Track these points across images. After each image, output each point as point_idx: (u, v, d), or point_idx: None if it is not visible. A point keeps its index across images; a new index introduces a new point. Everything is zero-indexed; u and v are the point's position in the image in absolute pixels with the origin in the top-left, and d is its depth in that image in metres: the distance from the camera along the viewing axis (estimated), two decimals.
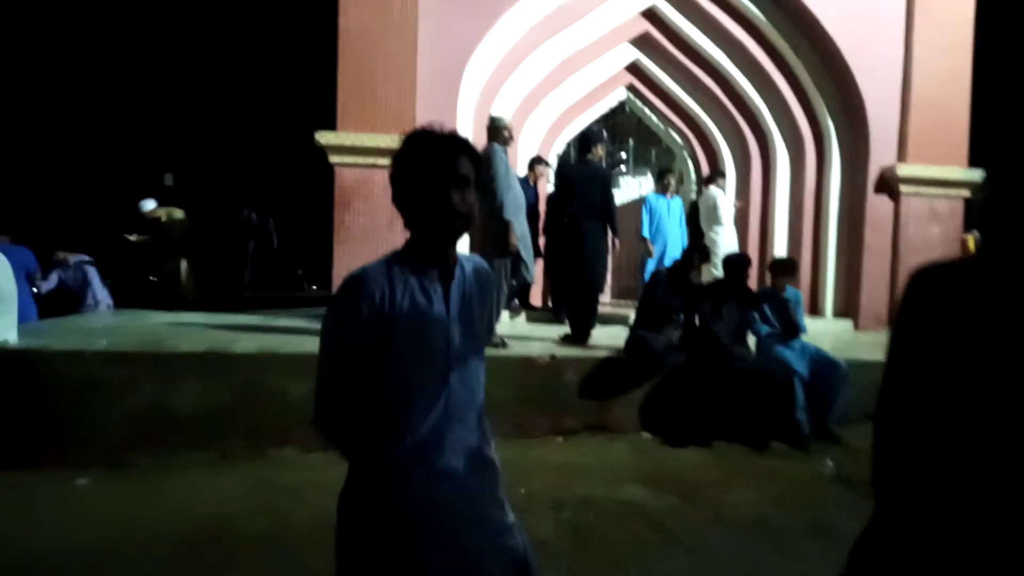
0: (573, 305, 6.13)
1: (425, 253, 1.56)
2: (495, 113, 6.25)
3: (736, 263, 5.35)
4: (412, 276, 1.53)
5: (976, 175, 7.82)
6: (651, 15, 8.62)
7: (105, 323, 6.63)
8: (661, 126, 10.42)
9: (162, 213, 8.46)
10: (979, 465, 1.33)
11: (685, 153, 10.46)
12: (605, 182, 6.04)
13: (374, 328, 1.47)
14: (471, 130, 7.51)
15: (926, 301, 1.43)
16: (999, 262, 1.42)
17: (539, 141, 9.44)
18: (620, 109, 11.04)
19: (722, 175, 8.56)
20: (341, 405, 1.51)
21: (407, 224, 1.57)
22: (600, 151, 6.16)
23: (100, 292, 8.03)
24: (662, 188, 8.26)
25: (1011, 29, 12.60)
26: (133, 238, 8.42)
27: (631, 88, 9.84)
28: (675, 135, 10.37)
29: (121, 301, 8.38)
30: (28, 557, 3.19)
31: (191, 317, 7.19)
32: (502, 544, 1.57)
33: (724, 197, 8.33)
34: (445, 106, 6.98)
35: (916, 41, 7.82)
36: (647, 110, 10.10)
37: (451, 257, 1.60)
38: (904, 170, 7.75)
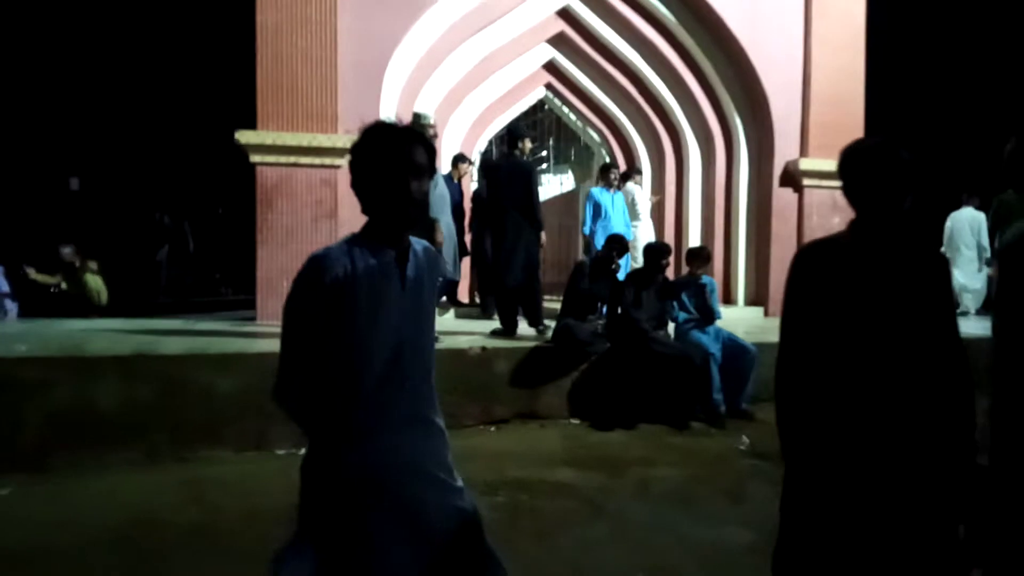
0: (501, 298, 6.27)
1: (382, 236, 1.67)
2: (419, 110, 6.32)
3: (655, 252, 5.62)
4: (371, 256, 1.64)
5: None
6: (566, 15, 8.87)
7: (18, 329, 6.36)
8: (580, 124, 10.72)
9: (76, 260, 8.15)
10: (840, 383, 1.79)
11: (603, 150, 10.79)
12: (530, 176, 6.15)
13: (335, 302, 1.57)
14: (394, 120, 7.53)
15: (803, 268, 1.88)
16: (852, 237, 1.86)
17: (462, 138, 9.55)
18: (540, 107, 11.29)
19: (639, 171, 8.90)
20: (300, 377, 1.60)
21: (364, 210, 1.68)
22: (527, 145, 6.29)
23: (8, 301, 7.68)
24: (607, 182, 8.15)
25: (903, 26, 13.50)
26: (37, 277, 8.05)
27: (550, 87, 10.09)
28: (593, 133, 10.69)
29: (27, 309, 8.02)
30: None
31: (106, 323, 6.97)
32: (449, 502, 1.70)
33: (641, 192, 8.66)
34: (368, 102, 6.98)
35: (814, 39, 8.31)
36: (566, 108, 10.38)
37: (406, 241, 1.72)
38: (806, 164, 8.24)
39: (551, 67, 9.70)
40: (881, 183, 1.78)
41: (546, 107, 11.08)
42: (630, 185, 8.58)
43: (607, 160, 9.85)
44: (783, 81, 8.33)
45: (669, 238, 9.31)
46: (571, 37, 9.08)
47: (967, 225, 9.16)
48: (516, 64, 9.25)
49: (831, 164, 8.25)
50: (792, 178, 8.37)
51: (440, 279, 5.62)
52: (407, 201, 1.64)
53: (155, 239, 14.47)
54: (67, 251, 8.15)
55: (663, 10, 8.47)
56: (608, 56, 9.20)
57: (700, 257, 5.88)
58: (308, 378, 1.60)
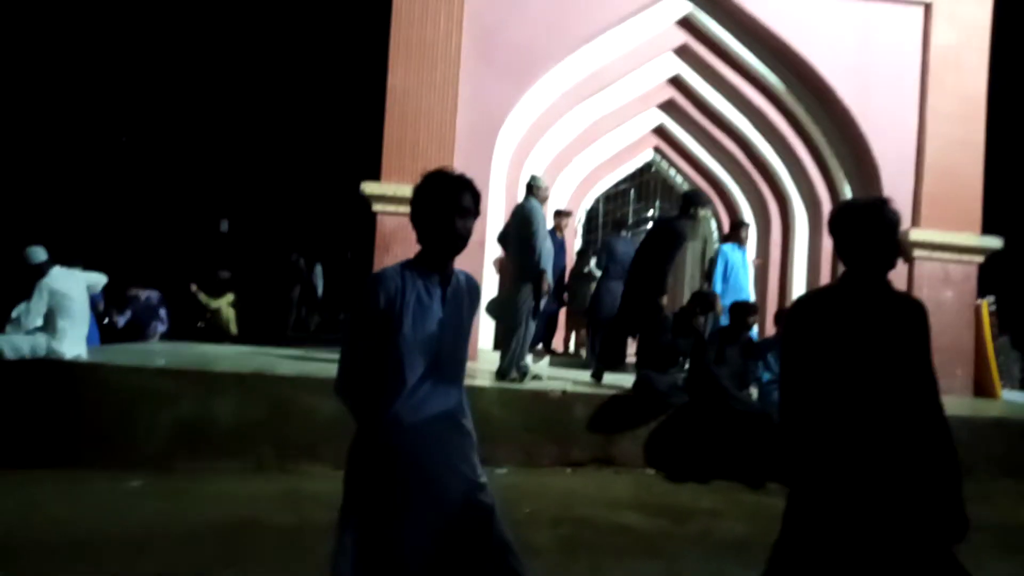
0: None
1: (430, 263, 2.06)
2: (534, 173, 6.89)
3: (740, 310, 5.74)
4: (419, 279, 2.03)
5: (989, 242, 8.08)
6: (676, 82, 9.22)
7: (161, 348, 7.28)
8: (686, 186, 10.93)
9: (223, 303, 9.27)
10: (836, 424, 1.97)
11: (710, 212, 10.91)
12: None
13: (387, 313, 1.96)
14: (503, 183, 8.09)
15: (799, 315, 2.11)
16: (844, 286, 2.07)
17: (569, 196, 10.00)
18: (647, 168, 11.59)
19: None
20: (357, 374, 2.00)
21: (419, 240, 2.08)
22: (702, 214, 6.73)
23: (162, 324, 8.75)
24: (738, 239, 8.23)
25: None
26: (200, 295, 9.18)
27: (657, 149, 10.41)
28: None
29: (173, 334, 9.08)
30: (73, 542, 3.69)
31: (236, 348, 7.80)
32: (470, 493, 2.03)
33: (743, 253, 8.70)
34: (480, 160, 7.55)
35: (929, 109, 8.19)
36: (672, 170, 10.64)
37: (450, 268, 2.10)
38: (917, 235, 8.04)
39: (660, 131, 10.05)
40: (869, 240, 1.99)
41: (653, 168, 11.40)
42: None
43: (740, 217, 9.92)
44: (895, 150, 8.23)
45: (772, 303, 9.26)
46: (680, 103, 9.41)
47: None
48: (625, 127, 9.66)
49: (944, 236, 8.09)
50: (902, 249, 8.18)
51: (532, 328, 6.03)
52: (452, 235, 2.02)
53: (289, 279, 15.79)
54: (225, 274, 9.25)
55: (772, 78, 8.63)
56: (716, 121, 9.44)
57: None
58: (363, 375, 1.99)
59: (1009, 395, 8.52)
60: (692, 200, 6.62)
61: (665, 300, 6.35)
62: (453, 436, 2.06)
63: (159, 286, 9.48)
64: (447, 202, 2.02)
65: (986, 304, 8.84)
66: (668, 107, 9.58)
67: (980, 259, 8.27)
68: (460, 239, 2.04)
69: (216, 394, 5.29)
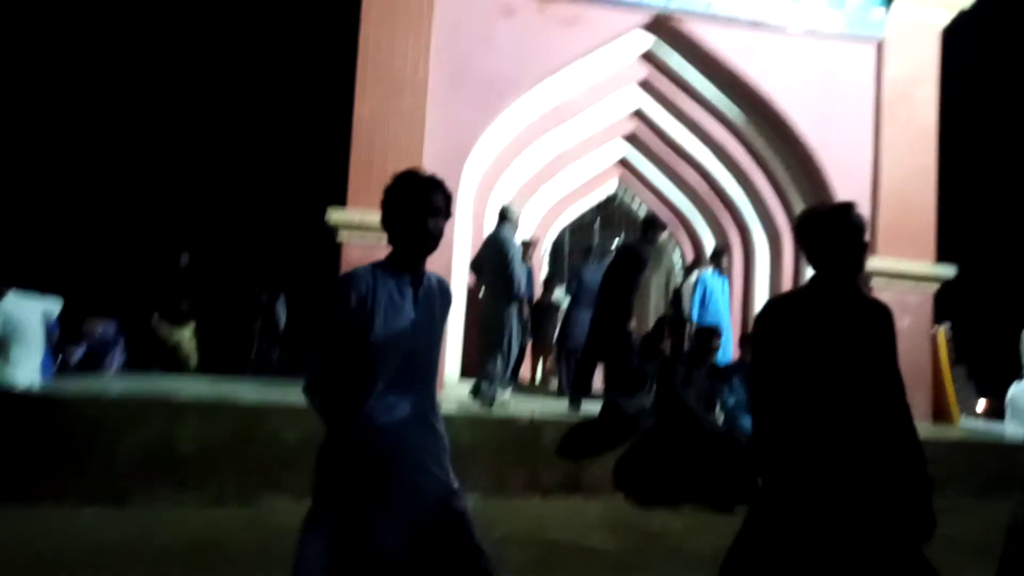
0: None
1: (402, 264, 2.05)
2: (506, 202, 6.97)
3: (705, 334, 5.79)
4: (391, 279, 2.01)
5: (943, 270, 8.33)
6: (640, 115, 9.41)
7: (119, 379, 7.07)
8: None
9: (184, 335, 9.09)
10: (806, 424, 2.00)
11: (672, 243, 11.07)
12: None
13: (359, 312, 1.94)
14: (470, 212, 8.11)
15: (769, 318, 2.14)
16: (813, 289, 2.12)
17: (535, 226, 10.06)
18: (612, 200, 11.75)
19: (705, 263, 9.09)
20: (327, 373, 1.96)
21: (390, 241, 2.07)
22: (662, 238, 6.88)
23: (120, 357, 8.49)
24: (719, 267, 8.31)
25: (975, 131, 13.44)
26: (160, 327, 8.98)
27: (622, 180, 10.56)
28: None
29: (132, 366, 8.81)
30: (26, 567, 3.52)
31: (197, 380, 7.60)
32: (444, 497, 1.99)
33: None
34: (449, 188, 7.57)
35: (884, 141, 8.46)
36: (637, 201, 10.80)
37: (422, 269, 2.08)
38: (875, 263, 8.23)
39: (624, 162, 10.21)
40: (836, 243, 2.02)
41: (617, 200, 11.56)
42: (696, 274, 8.78)
43: (718, 245, 10.06)
44: (851, 181, 8.46)
45: (735, 329, 9.37)
46: (643, 135, 9.59)
47: None
48: (590, 158, 9.80)
49: (901, 264, 8.30)
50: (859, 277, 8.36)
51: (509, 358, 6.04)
52: (424, 234, 2.01)
53: (251, 312, 15.50)
54: (186, 306, 9.04)
55: (732, 111, 8.87)
56: (679, 153, 9.63)
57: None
58: (334, 375, 1.95)
59: (966, 422, 8.69)
60: (651, 225, 6.75)
61: (633, 324, 6.39)
62: (426, 439, 2.03)
63: (117, 318, 9.23)
64: (419, 202, 2.02)
65: (942, 331, 9.06)
66: (632, 139, 9.76)
67: (935, 287, 8.50)
68: (432, 238, 2.04)
69: (176, 423, 5.13)
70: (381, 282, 1.99)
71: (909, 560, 1.92)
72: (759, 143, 8.89)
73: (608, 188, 10.81)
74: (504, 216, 6.47)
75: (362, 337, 1.93)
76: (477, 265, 6.59)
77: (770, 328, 2.09)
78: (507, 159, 8.65)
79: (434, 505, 1.95)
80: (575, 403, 6.28)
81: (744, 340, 6.06)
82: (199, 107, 16.52)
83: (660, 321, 6.18)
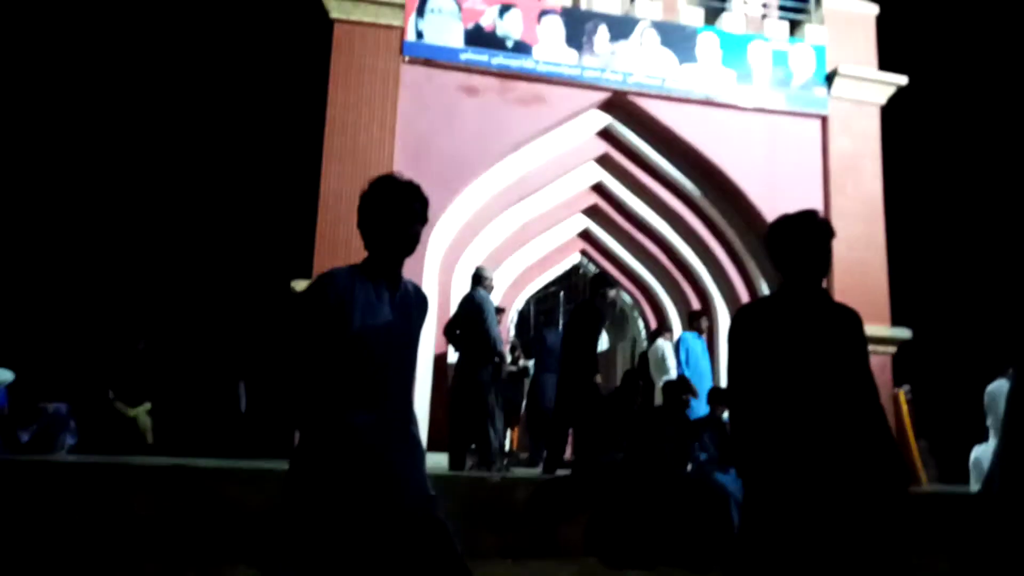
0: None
1: (379, 268, 2.06)
2: (479, 264, 7.15)
3: (675, 388, 5.82)
4: (368, 282, 2.02)
5: (900, 332, 8.56)
6: (599, 189, 9.71)
7: (71, 457, 6.78)
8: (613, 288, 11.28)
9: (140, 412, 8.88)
10: (783, 421, 2.06)
11: (636, 312, 11.24)
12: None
13: (337, 311, 1.93)
14: (435, 285, 8.17)
15: (744, 322, 2.24)
16: (784, 295, 2.22)
17: (500, 297, 10.12)
18: (575, 271, 11.95)
19: (668, 329, 9.23)
20: (299, 382, 1.93)
21: (367, 246, 2.09)
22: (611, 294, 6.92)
23: (72, 438, 8.17)
24: (698, 328, 8.38)
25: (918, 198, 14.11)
26: (118, 405, 8.73)
27: (584, 252, 10.78)
28: (626, 296, 11.19)
29: (84, 446, 8.48)
30: None
31: (153, 454, 7.35)
32: (423, 502, 1.94)
33: (670, 348, 8.92)
34: (412, 262, 7.59)
35: (833, 210, 8.81)
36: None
37: (399, 274, 2.10)
38: None
39: (585, 235, 10.45)
40: (802, 247, 2.11)
41: (581, 271, 11.76)
42: (660, 341, 8.87)
43: (636, 324, 10.28)
44: None
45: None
46: (604, 208, 9.87)
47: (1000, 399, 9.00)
48: (553, 231, 10.01)
49: None
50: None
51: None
52: (402, 237, 2.04)
53: (210, 397, 15.09)
54: (142, 383, 8.80)
55: (689, 185, 9.21)
56: (638, 225, 9.90)
57: (724, 398, 6.03)
58: (305, 381, 1.92)
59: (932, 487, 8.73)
60: (600, 281, 6.89)
61: (599, 379, 6.41)
62: (404, 444, 2.01)
63: (70, 397, 8.93)
64: (396, 205, 2.06)
65: (903, 393, 9.22)
66: (592, 212, 10.03)
67: (893, 349, 8.71)
68: (409, 241, 2.07)
69: (130, 491, 4.91)
70: (359, 283, 2.00)
71: (882, 548, 1.94)
72: (715, 214, 9.20)
73: (572, 260, 11.01)
74: (477, 278, 6.57)
75: (340, 336, 1.92)
76: (452, 329, 6.61)
77: (744, 331, 2.16)
78: (472, 232, 8.79)
79: (413, 504, 1.91)
80: (550, 468, 6.20)
81: (712, 395, 6.09)
82: (160, 184, 16.55)
83: (630, 374, 6.20)
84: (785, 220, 2.23)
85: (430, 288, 7.99)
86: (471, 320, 6.31)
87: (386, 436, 1.95)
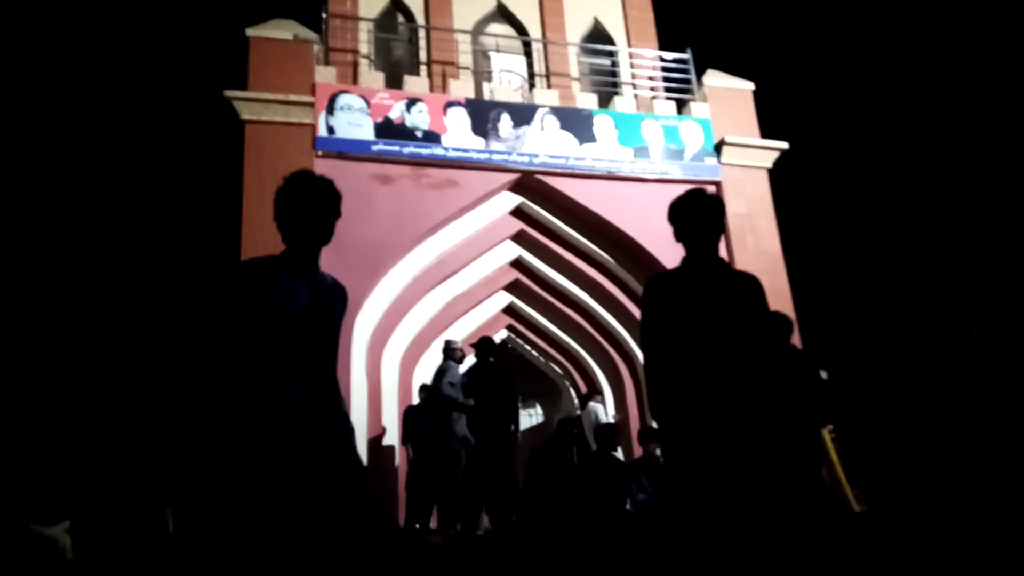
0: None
1: (297, 259, 2.20)
2: (449, 337, 7.96)
3: (605, 431, 5.99)
4: (286, 273, 2.16)
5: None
6: (519, 264, 10.07)
7: None
8: (541, 359, 11.50)
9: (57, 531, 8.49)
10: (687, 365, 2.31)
11: (566, 382, 11.44)
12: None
13: (257, 293, 2.06)
14: (363, 369, 8.22)
15: (654, 291, 2.54)
16: (687, 265, 2.53)
17: (429, 376, 10.20)
18: (504, 347, 12.12)
19: (599, 392, 9.46)
20: (225, 359, 2.04)
21: (284, 239, 2.23)
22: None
23: None
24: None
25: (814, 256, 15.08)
26: (34, 526, 8.28)
27: (511, 328, 11.02)
28: (555, 367, 11.42)
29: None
30: None
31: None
32: (356, 468, 2.05)
33: (603, 410, 9.14)
34: (340, 347, 7.71)
35: (737, 267, 9.34)
36: (527, 346, 11.22)
37: (316, 264, 2.24)
38: None
39: (510, 309, 10.73)
40: (698, 218, 2.39)
41: (509, 346, 11.95)
42: (592, 405, 9.09)
43: (567, 393, 10.48)
44: None
45: (637, 452, 9.57)
46: (525, 283, 10.21)
47: None
48: (477, 310, 10.26)
49: None
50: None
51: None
52: (317, 227, 2.20)
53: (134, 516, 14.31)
54: (58, 502, 8.36)
55: (603, 254, 9.66)
56: (560, 297, 10.26)
57: (653, 434, 6.22)
58: (231, 360, 2.03)
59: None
60: (447, 349, 7.43)
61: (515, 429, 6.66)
62: (332, 418, 2.11)
63: None
64: (311, 197, 2.20)
65: (826, 433, 9.57)
66: (514, 288, 10.35)
67: None
68: (325, 232, 2.21)
69: None
70: (278, 273, 2.13)
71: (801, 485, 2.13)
72: (630, 279, 9.63)
73: (499, 336, 11.20)
74: (449, 349, 7.33)
75: (260, 313, 2.04)
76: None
77: (655, 296, 2.40)
78: (397, 315, 8.95)
79: (344, 482, 2.00)
80: (469, 523, 6.28)
81: (643, 434, 6.27)
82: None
83: (564, 423, 6.33)
84: (682, 197, 2.53)
85: (358, 374, 8.03)
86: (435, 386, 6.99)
87: (314, 410, 2.06)
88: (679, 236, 2.55)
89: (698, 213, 2.48)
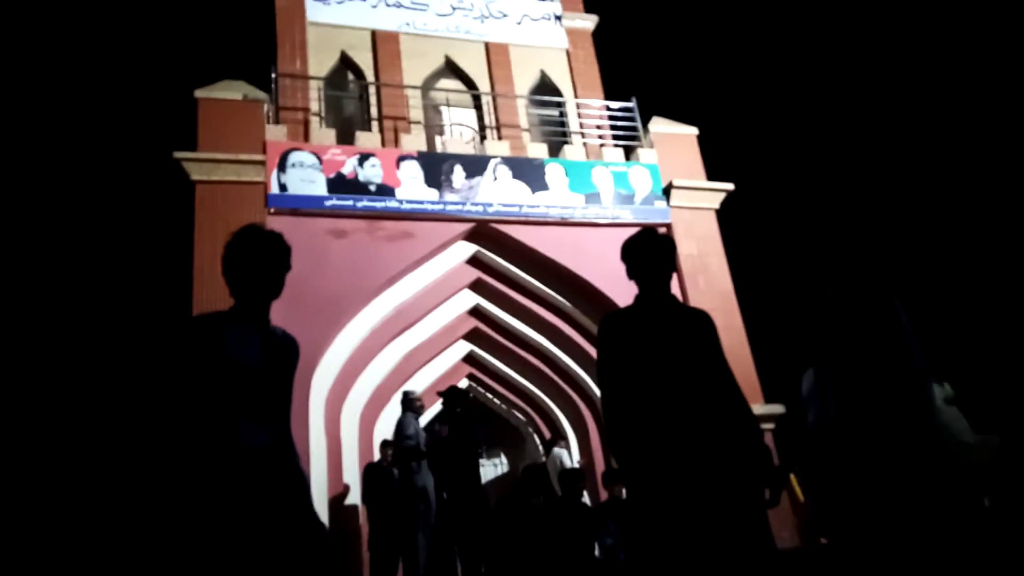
0: None
1: (247, 312, 2.20)
2: (408, 387, 8.01)
3: (571, 476, 5.97)
4: (237, 325, 2.16)
5: (773, 408, 9.15)
6: (478, 312, 10.10)
7: None
8: (504, 407, 11.46)
9: None
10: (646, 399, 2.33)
11: (529, 428, 11.39)
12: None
13: (209, 350, 2.05)
14: (322, 423, 8.08)
15: (608, 329, 2.57)
16: (640, 302, 2.57)
17: (392, 430, 10.05)
18: (466, 394, 12.03)
19: (563, 438, 9.44)
20: (183, 411, 2.02)
21: (233, 292, 2.23)
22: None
23: None
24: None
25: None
26: None
27: (472, 377, 10.98)
28: (518, 413, 11.38)
29: None
30: None
31: None
32: (312, 519, 2.03)
33: (567, 456, 9.11)
34: (297, 402, 7.57)
35: (691, 305, 9.53)
36: (489, 395, 11.18)
37: (266, 318, 2.24)
38: None
39: (470, 358, 10.71)
40: (649, 260, 2.46)
41: (471, 395, 11.88)
42: (556, 450, 9.06)
43: (531, 440, 10.45)
44: None
45: (603, 495, 9.52)
46: (484, 331, 10.23)
47: None
48: (438, 360, 10.22)
49: None
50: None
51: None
52: (266, 281, 2.21)
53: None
54: None
55: (560, 299, 9.76)
56: (520, 343, 10.29)
57: (616, 476, 6.22)
58: (192, 406, 2.01)
59: None
60: (406, 400, 7.58)
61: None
62: (289, 470, 2.11)
63: None
64: (258, 250, 2.21)
65: (794, 477, 9.67)
66: (474, 336, 10.35)
67: (771, 426, 9.24)
68: (274, 285, 2.22)
69: None
70: (228, 325, 2.13)
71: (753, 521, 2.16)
72: (588, 321, 9.73)
73: (461, 383, 11.14)
74: (407, 399, 7.52)
75: (213, 367, 2.03)
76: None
77: (610, 335, 2.44)
78: (356, 369, 8.87)
79: (302, 533, 2.00)
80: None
81: (606, 477, 6.27)
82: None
83: (529, 470, 6.29)
84: (633, 237, 2.60)
85: (316, 429, 7.90)
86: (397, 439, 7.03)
87: (274, 460, 2.06)
88: (632, 274, 2.62)
89: (649, 251, 2.56)
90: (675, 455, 2.27)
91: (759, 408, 9.05)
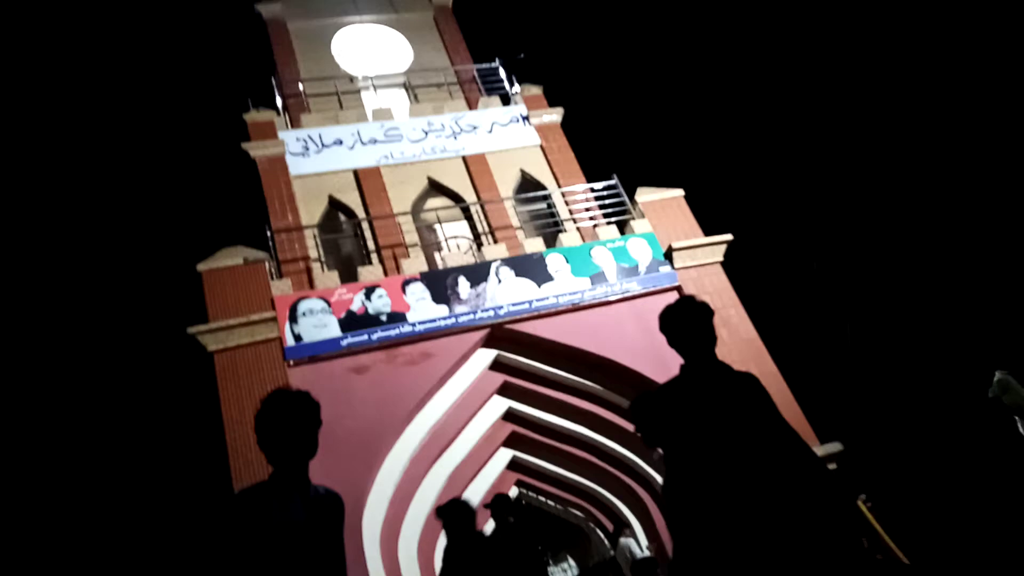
0: None
1: (286, 478, 2.22)
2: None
3: (643, 568, 5.75)
4: (278, 493, 2.18)
5: (830, 447, 8.89)
6: (512, 416, 9.99)
7: None
8: (559, 507, 11.14)
9: None
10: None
11: (590, 524, 11.03)
12: None
13: (255, 524, 2.06)
14: (380, 562, 7.87)
15: (657, 404, 2.51)
16: (685, 373, 2.50)
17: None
18: (519, 503, 11.73)
19: (627, 526, 9.12)
20: None
21: (270, 460, 2.24)
22: None
23: None
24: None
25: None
26: None
27: (520, 483, 10.74)
28: (575, 511, 11.04)
29: None
30: None
31: None
32: None
33: (635, 544, 8.78)
34: (351, 544, 7.42)
35: (721, 359, 9.44)
36: (542, 497, 10.89)
37: (306, 479, 2.25)
38: None
39: (515, 464, 10.51)
40: (691, 325, 2.44)
41: (524, 502, 11.58)
42: (623, 541, 8.74)
43: (594, 535, 10.06)
44: None
45: None
46: (522, 433, 10.08)
47: None
48: (482, 474, 10.03)
49: None
50: None
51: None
52: (303, 445, 2.23)
53: None
54: None
55: (589, 383, 9.66)
56: (561, 438, 10.12)
57: (648, 570, 5.98)
58: None
59: None
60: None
61: None
62: None
63: None
64: (288, 418, 2.25)
65: (860, 502, 9.30)
66: (514, 441, 10.20)
67: (833, 465, 8.93)
68: (308, 446, 2.25)
69: None
70: (272, 497, 2.15)
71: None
72: (620, 399, 9.59)
73: (512, 492, 10.89)
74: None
75: (260, 539, 2.04)
76: None
77: (661, 410, 2.38)
78: (405, 499, 8.71)
79: None
80: None
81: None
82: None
83: (598, 569, 6.06)
84: (670, 308, 2.58)
85: (375, 570, 7.68)
86: None
87: None
88: (674, 345, 2.60)
89: (687, 319, 2.55)
90: (760, 523, 2.18)
91: (819, 450, 8.78)
